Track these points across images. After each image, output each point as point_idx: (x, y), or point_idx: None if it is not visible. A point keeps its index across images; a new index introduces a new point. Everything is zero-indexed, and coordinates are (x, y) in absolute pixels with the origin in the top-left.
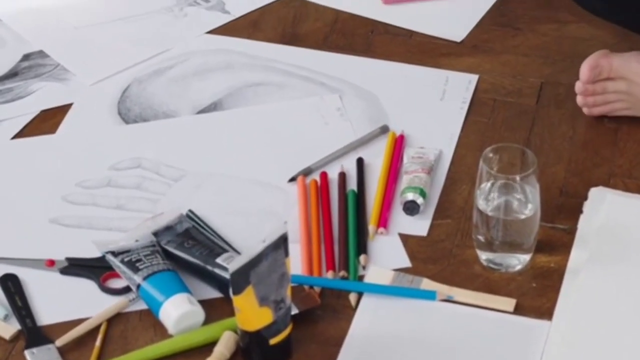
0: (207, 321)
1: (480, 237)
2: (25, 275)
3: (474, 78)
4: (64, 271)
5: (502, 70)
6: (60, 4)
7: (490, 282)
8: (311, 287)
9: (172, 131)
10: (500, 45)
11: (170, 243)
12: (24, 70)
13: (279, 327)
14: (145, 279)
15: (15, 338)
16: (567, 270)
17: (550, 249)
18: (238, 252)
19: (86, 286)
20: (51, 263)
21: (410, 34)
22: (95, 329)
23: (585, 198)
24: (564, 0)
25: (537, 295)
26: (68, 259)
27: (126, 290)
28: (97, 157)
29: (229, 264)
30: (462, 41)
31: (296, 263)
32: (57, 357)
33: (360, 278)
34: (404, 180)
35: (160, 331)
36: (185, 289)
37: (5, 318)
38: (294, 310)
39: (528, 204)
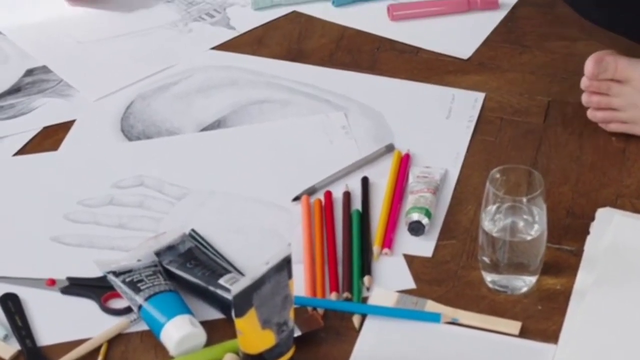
0: (209, 343)
1: (486, 259)
2: (26, 294)
3: (480, 96)
4: (65, 291)
5: (509, 88)
6: (64, 18)
7: (495, 304)
8: (314, 308)
9: (176, 149)
10: (507, 62)
11: (172, 263)
12: (27, 86)
13: (282, 350)
14: (146, 299)
15: (15, 359)
16: (574, 293)
17: (556, 270)
18: (241, 273)
19: (87, 306)
20: (52, 282)
21: (417, 50)
22: (96, 350)
23: (592, 219)
24: (572, 16)
25: (542, 318)
26: (69, 279)
27: (127, 310)
28: (99, 174)
29: (231, 285)
30: (468, 58)
31: (299, 284)
32: None
33: (364, 300)
34: (410, 200)
35: (161, 353)
36: (187, 310)
37: (5, 338)
38: (297, 333)
39: (534, 225)
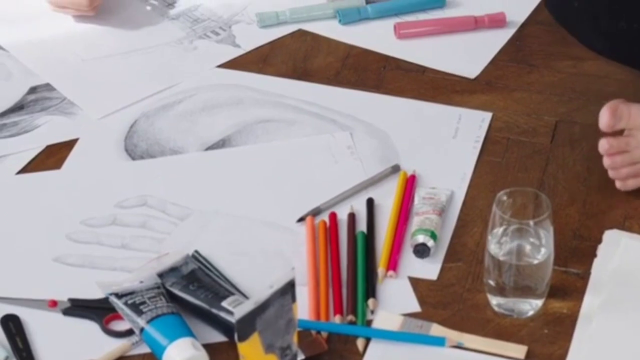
0: None
1: (492, 282)
2: (27, 315)
3: (487, 116)
4: (67, 312)
5: (516, 108)
6: (68, 36)
7: (501, 328)
8: (318, 332)
9: (179, 168)
10: (514, 82)
11: (175, 285)
12: (31, 104)
13: None
14: (149, 322)
15: None
16: (580, 316)
17: (563, 294)
18: (244, 295)
19: (89, 328)
20: (53, 304)
21: (423, 69)
22: None
23: (600, 241)
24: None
25: (549, 342)
26: (71, 300)
27: (129, 332)
28: (102, 194)
29: (234, 308)
30: (475, 77)
31: (303, 306)
32: None
33: (369, 323)
34: (415, 222)
35: None
36: (189, 333)
37: None
38: (300, 356)
39: (541, 248)
